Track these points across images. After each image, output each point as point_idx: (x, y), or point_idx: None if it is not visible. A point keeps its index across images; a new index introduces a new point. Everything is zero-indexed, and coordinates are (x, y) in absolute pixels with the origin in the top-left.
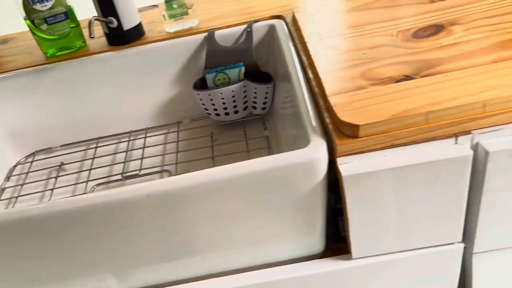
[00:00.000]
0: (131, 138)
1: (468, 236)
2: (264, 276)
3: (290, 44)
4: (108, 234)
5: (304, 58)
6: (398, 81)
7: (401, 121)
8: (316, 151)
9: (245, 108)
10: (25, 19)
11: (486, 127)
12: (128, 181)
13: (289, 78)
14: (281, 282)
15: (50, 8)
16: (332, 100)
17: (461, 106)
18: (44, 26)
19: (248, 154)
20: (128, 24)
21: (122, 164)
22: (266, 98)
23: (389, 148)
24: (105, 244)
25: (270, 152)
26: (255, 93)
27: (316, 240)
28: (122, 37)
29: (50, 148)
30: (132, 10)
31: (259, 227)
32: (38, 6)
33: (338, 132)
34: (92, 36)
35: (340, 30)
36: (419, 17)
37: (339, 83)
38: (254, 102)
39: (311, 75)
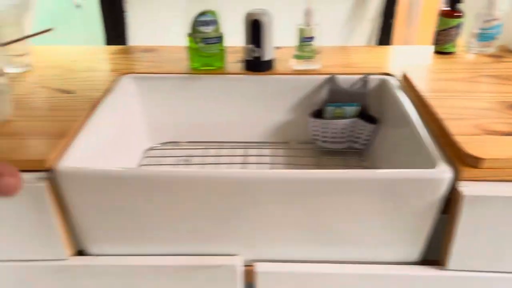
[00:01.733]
0: (248, 147)
1: None
2: (369, 270)
3: (405, 96)
4: (259, 208)
5: (420, 108)
6: (507, 134)
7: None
8: (443, 172)
9: (348, 141)
10: (188, 35)
11: None
12: None
13: (407, 121)
14: (377, 277)
15: (209, 32)
16: (457, 138)
17: None
18: (201, 44)
19: None
20: (267, 56)
21: (240, 167)
22: (369, 136)
23: (506, 182)
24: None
25: None
26: (361, 129)
27: (416, 249)
28: (259, 66)
29: (178, 142)
30: (271, 46)
31: (374, 229)
32: (202, 29)
33: (460, 162)
34: (251, 58)
35: (450, 93)
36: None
37: (457, 128)
38: (357, 137)
39: (428, 121)
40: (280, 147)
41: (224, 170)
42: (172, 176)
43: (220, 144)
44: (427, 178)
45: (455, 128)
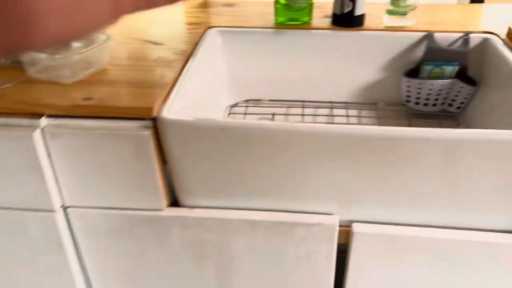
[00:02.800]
0: (334, 107)
1: None
2: (479, 237)
3: None
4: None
5: None
6: None
7: None
8: None
9: (442, 103)
10: None
11: None
12: None
13: None
14: (488, 245)
15: None
16: None
17: None
18: None
19: None
20: (359, 10)
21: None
22: (465, 99)
23: None
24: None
25: None
26: (459, 91)
27: None
28: (350, 21)
29: (260, 100)
30: (365, 0)
31: (488, 193)
32: None
33: None
34: (345, 11)
35: None
36: None
37: None
38: (453, 100)
39: None
40: (368, 108)
41: (325, 125)
42: (271, 130)
43: (304, 103)
44: None
45: None
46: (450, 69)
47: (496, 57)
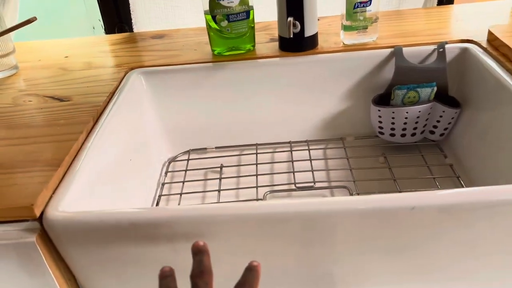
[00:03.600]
0: (293, 149)
1: None
2: None
3: (502, 68)
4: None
5: None
6: None
7: None
8: None
9: (422, 132)
10: (206, 13)
11: None
12: (298, 192)
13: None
14: None
15: (235, 6)
16: None
17: None
18: (224, 23)
19: (435, 180)
20: (309, 31)
21: (290, 174)
22: (449, 123)
23: None
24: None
25: (460, 182)
26: (440, 116)
27: None
28: (299, 44)
29: (205, 148)
30: (315, 18)
31: (496, 258)
32: (224, 2)
33: None
34: (291, 36)
35: None
36: None
37: None
38: (435, 127)
39: None
40: (335, 145)
41: (285, 201)
42: (204, 216)
43: (258, 147)
44: None
45: None
46: (427, 91)
47: (479, 70)
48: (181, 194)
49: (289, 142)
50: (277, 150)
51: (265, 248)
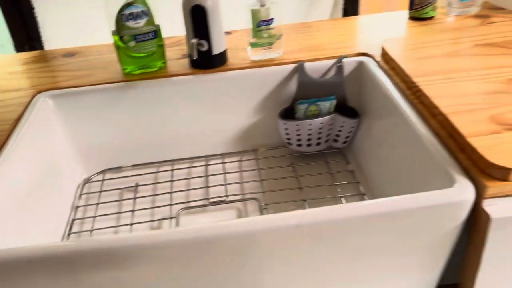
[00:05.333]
0: (208, 163)
1: None
2: None
3: (389, 82)
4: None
5: (411, 97)
6: None
7: None
8: (464, 192)
9: (326, 141)
10: (113, 34)
11: None
12: (212, 207)
13: (398, 116)
14: None
15: (141, 26)
16: (474, 142)
17: None
18: (132, 43)
19: (336, 187)
20: (217, 49)
21: (205, 189)
22: (350, 132)
23: None
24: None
25: (359, 187)
26: (341, 126)
27: (433, 278)
28: (208, 62)
29: (121, 167)
30: (221, 36)
31: (380, 265)
32: (130, 23)
33: (483, 174)
34: (195, 57)
35: (446, 74)
36: None
37: (470, 125)
38: (337, 136)
39: (427, 115)
40: (248, 156)
41: (189, 227)
42: (114, 247)
43: (174, 162)
44: (443, 203)
45: (466, 126)
46: (327, 104)
47: (372, 83)
48: (94, 217)
49: (204, 156)
50: (193, 165)
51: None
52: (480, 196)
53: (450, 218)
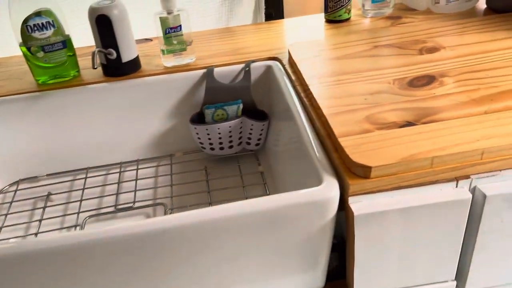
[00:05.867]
0: (123, 170)
1: (460, 274)
2: None
3: (289, 85)
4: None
5: (305, 99)
6: (401, 126)
7: (408, 164)
8: (330, 190)
9: (239, 144)
10: (20, 45)
11: (484, 173)
12: (121, 213)
13: (291, 118)
14: None
15: (48, 37)
16: (343, 142)
17: (462, 153)
18: (40, 54)
19: (244, 189)
20: (126, 56)
21: (114, 196)
22: (261, 135)
23: (397, 189)
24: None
25: (265, 188)
26: (251, 129)
27: (318, 275)
28: (119, 69)
29: (36, 177)
30: (131, 44)
31: (263, 264)
32: (36, 34)
33: (349, 173)
34: (96, 67)
35: (339, 76)
36: (411, 67)
37: (345, 125)
38: (249, 138)
39: (314, 116)
40: (165, 163)
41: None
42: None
43: (88, 170)
44: (313, 201)
45: (341, 126)
46: (234, 108)
47: (277, 86)
48: (1, 227)
49: (120, 163)
50: (109, 172)
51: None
52: (346, 194)
53: (319, 215)
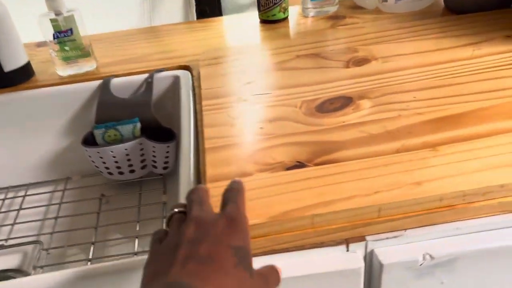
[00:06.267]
0: (8, 196)
1: None
2: None
3: (191, 101)
4: None
5: (198, 123)
6: (289, 168)
7: (282, 224)
8: None
9: (143, 167)
10: None
11: (383, 233)
12: None
13: (183, 143)
14: None
15: None
16: (211, 191)
17: (353, 209)
18: None
19: (138, 225)
20: (11, 64)
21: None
22: (167, 157)
23: (271, 253)
24: None
25: (162, 223)
26: (154, 151)
27: None
28: (1, 80)
29: None
30: (17, 49)
31: None
32: None
33: None
34: None
35: (241, 95)
36: (328, 86)
37: (222, 166)
38: (154, 161)
39: (200, 147)
40: (59, 188)
41: None
42: None
43: None
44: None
45: (217, 167)
46: (128, 128)
47: (180, 102)
48: None
49: (6, 188)
50: None
51: None
52: None
53: None
